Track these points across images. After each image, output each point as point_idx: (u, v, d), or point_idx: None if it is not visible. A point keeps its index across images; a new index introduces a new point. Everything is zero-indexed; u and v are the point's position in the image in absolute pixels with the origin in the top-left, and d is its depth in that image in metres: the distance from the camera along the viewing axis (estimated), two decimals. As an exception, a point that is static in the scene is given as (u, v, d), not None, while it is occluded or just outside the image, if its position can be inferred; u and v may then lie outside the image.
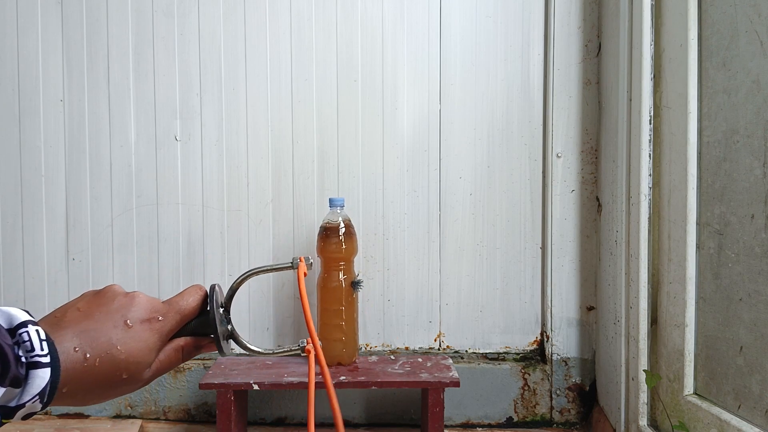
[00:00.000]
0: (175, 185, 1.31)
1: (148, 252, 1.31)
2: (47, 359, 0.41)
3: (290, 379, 1.14)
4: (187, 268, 1.31)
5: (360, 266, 1.30)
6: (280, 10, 1.30)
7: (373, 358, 1.27)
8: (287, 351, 0.57)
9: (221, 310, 0.55)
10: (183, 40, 1.30)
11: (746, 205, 0.84)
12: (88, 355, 0.45)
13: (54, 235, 1.32)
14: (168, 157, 1.31)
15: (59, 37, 1.30)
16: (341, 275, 1.19)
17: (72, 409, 1.31)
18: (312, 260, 0.58)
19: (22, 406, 0.40)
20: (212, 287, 0.55)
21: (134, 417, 1.31)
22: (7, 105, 1.31)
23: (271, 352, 0.57)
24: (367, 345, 1.34)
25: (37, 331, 0.41)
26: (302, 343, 0.56)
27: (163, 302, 0.52)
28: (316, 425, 1.31)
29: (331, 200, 1.20)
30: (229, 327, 0.56)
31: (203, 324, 0.54)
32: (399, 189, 1.32)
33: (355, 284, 1.19)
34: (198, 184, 1.31)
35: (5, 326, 0.41)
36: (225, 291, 0.58)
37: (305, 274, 0.57)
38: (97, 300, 0.49)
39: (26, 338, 0.40)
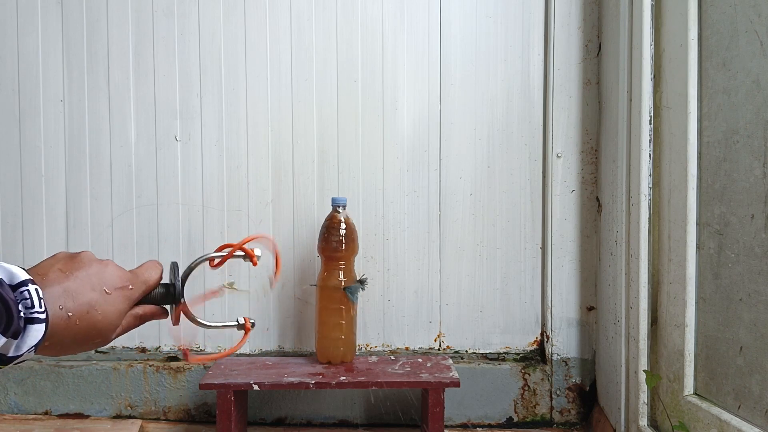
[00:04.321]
0: (175, 185, 1.31)
1: (149, 252, 1.31)
2: (43, 316, 0.45)
3: (290, 379, 1.14)
4: (187, 268, 1.31)
5: (360, 266, 1.30)
6: (280, 10, 1.30)
7: (373, 358, 1.27)
8: (228, 324, 0.66)
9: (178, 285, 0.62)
10: (183, 40, 1.30)
11: (746, 205, 0.84)
12: (70, 315, 0.49)
13: (54, 235, 1.32)
14: (168, 157, 1.31)
15: (59, 37, 1.30)
16: (341, 275, 1.19)
17: (72, 409, 1.31)
18: (261, 253, 0.66)
19: (20, 356, 0.44)
20: (172, 264, 0.61)
21: (134, 417, 1.31)
22: (7, 105, 1.31)
23: (213, 325, 0.65)
24: (367, 345, 1.34)
25: (36, 290, 0.45)
26: (240, 320, 0.66)
27: (129, 272, 0.57)
28: (316, 425, 1.31)
29: (333, 199, 1.20)
30: (182, 300, 0.62)
31: (161, 295, 0.60)
32: (399, 189, 1.32)
33: (355, 285, 1.19)
34: (198, 184, 1.31)
35: (7, 282, 0.45)
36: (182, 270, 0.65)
37: (255, 264, 0.65)
38: (76, 264, 0.52)
39: (27, 296, 0.44)
